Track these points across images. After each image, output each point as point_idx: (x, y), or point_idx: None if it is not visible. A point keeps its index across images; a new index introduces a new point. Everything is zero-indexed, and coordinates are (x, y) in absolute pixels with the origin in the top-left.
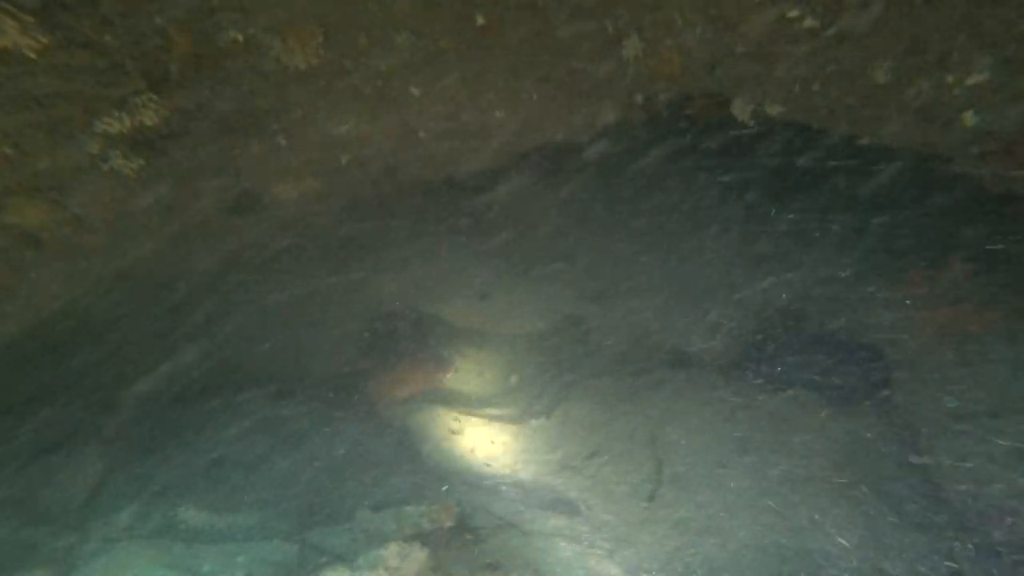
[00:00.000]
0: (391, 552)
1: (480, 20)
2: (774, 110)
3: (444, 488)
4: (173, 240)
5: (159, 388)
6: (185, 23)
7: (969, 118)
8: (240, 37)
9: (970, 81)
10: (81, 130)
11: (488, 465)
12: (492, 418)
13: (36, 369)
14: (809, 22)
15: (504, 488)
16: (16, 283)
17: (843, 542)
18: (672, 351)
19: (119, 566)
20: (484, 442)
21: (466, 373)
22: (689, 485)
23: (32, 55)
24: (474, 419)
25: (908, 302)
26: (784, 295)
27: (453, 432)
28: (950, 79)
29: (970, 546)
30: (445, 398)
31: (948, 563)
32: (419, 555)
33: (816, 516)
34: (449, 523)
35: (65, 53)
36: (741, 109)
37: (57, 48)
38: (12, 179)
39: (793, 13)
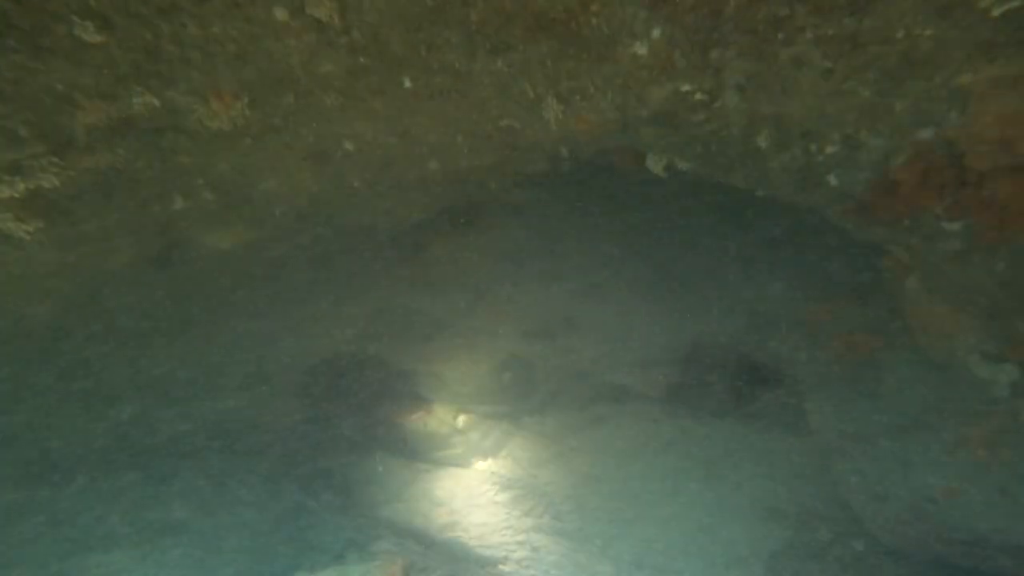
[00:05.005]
0: None
1: (408, 84)
2: (684, 165)
3: (390, 541)
4: (82, 298)
5: (75, 454)
6: (92, 89)
7: (832, 180)
8: (157, 102)
9: (829, 150)
10: None
11: (435, 512)
12: (438, 462)
13: None
14: (699, 96)
15: (453, 535)
16: None
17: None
18: (612, 386)
19: None
20: (431, 488)
21: (413, 417)
22: (634, 520)
23: None
24: (420, 465)
25: (811, 331)
26: (706, 330)
27: (399, 479)
28: (813, 147)
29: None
30: (391, 444)
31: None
32: None
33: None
34: None
35: None
36: (655, 163)
37: None
38: None
39: (686, 87)
